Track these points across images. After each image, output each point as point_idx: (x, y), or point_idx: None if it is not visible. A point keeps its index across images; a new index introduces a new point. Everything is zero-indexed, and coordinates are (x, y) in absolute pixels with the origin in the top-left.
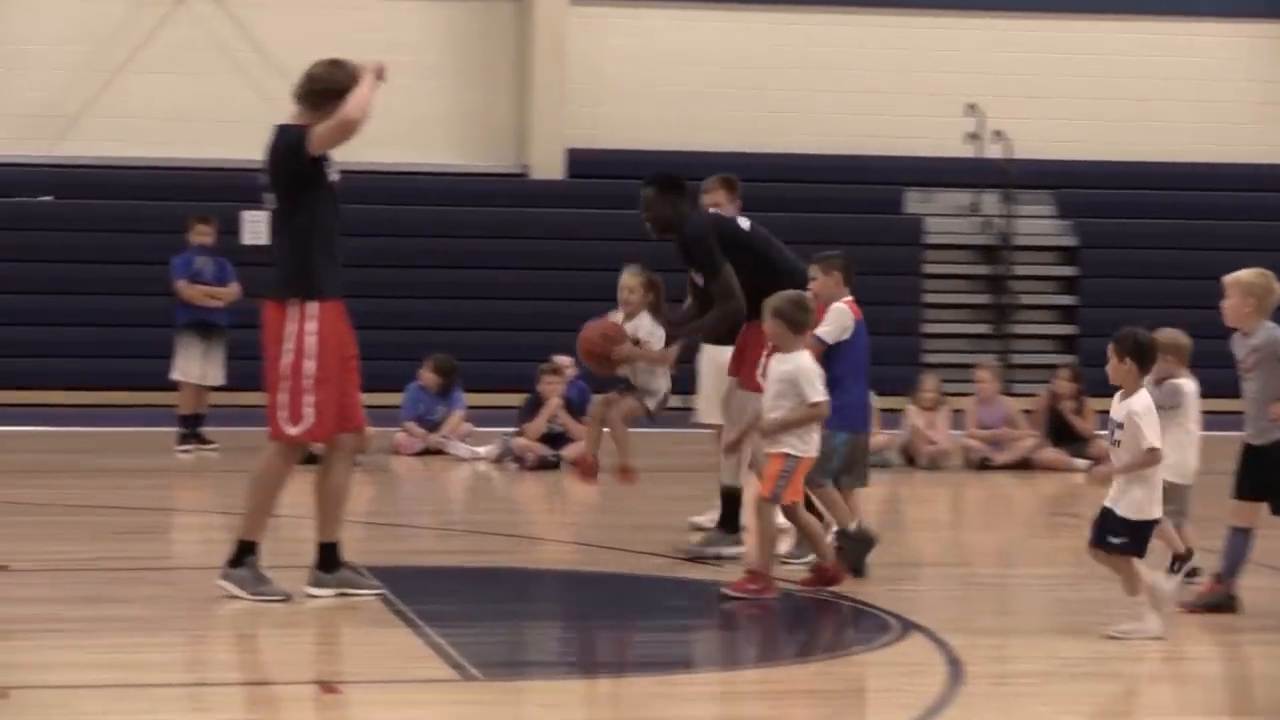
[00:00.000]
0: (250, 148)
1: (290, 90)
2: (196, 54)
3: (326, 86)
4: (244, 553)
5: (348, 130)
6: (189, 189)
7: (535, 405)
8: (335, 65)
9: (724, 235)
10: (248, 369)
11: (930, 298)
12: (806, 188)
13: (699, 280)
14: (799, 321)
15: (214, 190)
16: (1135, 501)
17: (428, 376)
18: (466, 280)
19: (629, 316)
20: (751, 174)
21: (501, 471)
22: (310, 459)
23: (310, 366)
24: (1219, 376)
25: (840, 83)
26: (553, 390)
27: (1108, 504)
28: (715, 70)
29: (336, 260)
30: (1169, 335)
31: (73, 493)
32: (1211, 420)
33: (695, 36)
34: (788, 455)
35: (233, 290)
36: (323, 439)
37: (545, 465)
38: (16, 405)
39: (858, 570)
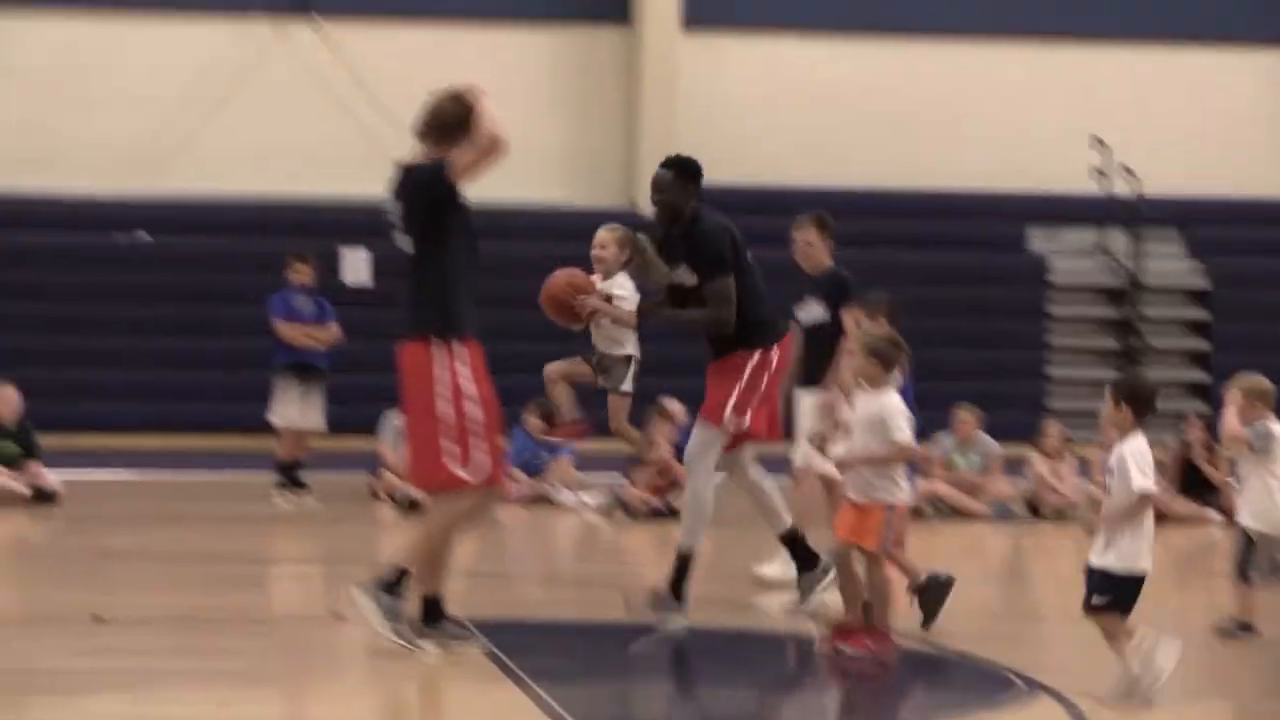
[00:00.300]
0: (350, 183)
1: (411, 127)
2: (295, 88)
3: (453, 119)
4: (397, 582)
5: (496, 151)
6: (287, 226)
7: (646, 451)
8: (457, 98)
9: (735, 245)
10: (347, 414)
11: (1055, 340)
12: (924, 224)
13: (688, 279)
14: (893, 360)
15: (313, 227)
16: (1123, 553)
17: (533, 422)
18: None
19: (605, 275)
20: (869, 210)
21: (610, 521)
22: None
23: (473, 409)
24: None
25: (961, 116)
26: (663, 437)
27: (1093, 563)
28: (831, 102)
29: (476, 298)
30: (1252, 380)
31: (169, 541)
32: None
33: (811, 66)
34: (886, 505)
35: (332, 331)
36: (497, 484)
37: (656, 514)
38: (112, 451)
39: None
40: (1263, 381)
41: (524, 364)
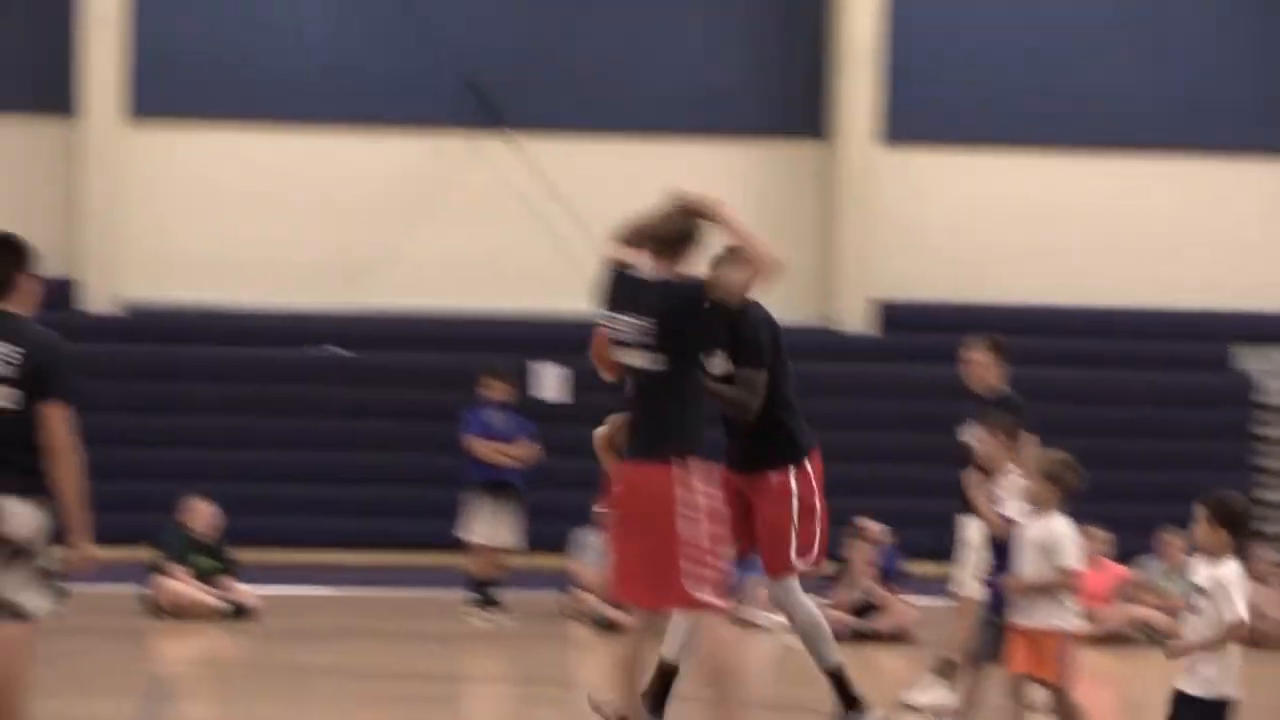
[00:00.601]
0: (546, 298)
1: (639, 237)
2: (491, 201)
3: (684, 234)
4: None
5: (771, 272)
6: (483, 341)
7: (845, 573)
8: (687, 211)
9: (777, 344)
10: (542, 531)
11: (1266, 463)
12: (1127, 342)
13: (722, 367)
14: (1070, 485)
15: (507, 342)
16: (1206, 679)
17: None
18: None
19: None
20: (1070, 328)
21: None
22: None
23: (717, 530)
24: None
25: (1163, 231)
26: (863, 557)
27: (1181, 686)
28: (1031, 218)
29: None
30: None
31: (364, 657)
32: None
33: (1011, 182)
34: (1061, 632)
35: (527, 448)
36: (729, 609)
37: (856, 636)
38: (308, 566)
39: None
40: None
41: None
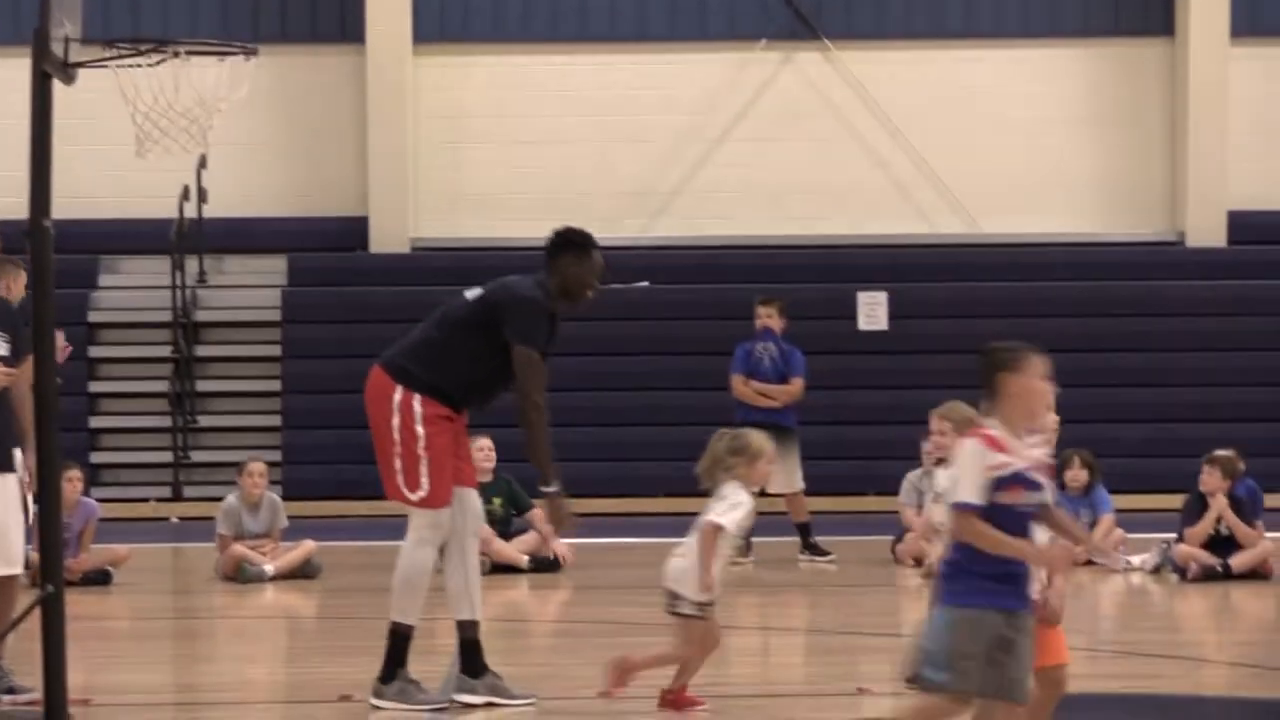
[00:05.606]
0: (868, 221)
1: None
2: (803, 119)
3: None
4: None
5: None
6: (798, 270)
7: (1199, 506)
8: None
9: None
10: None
11: None
12: None
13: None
14: None
15: (826, 270)
16: None
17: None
18: (1120, 367)
19: None
20: None
21: (1160, 584)
22: None
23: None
24: None
25: None
26: (1217, 488)
27: None
28: None
29: None
30: None
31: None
32: None
33: None
34: None
35: (791, 388)
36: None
37: (1211, 576)
38: (605, 514)
39: None
40: None
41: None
